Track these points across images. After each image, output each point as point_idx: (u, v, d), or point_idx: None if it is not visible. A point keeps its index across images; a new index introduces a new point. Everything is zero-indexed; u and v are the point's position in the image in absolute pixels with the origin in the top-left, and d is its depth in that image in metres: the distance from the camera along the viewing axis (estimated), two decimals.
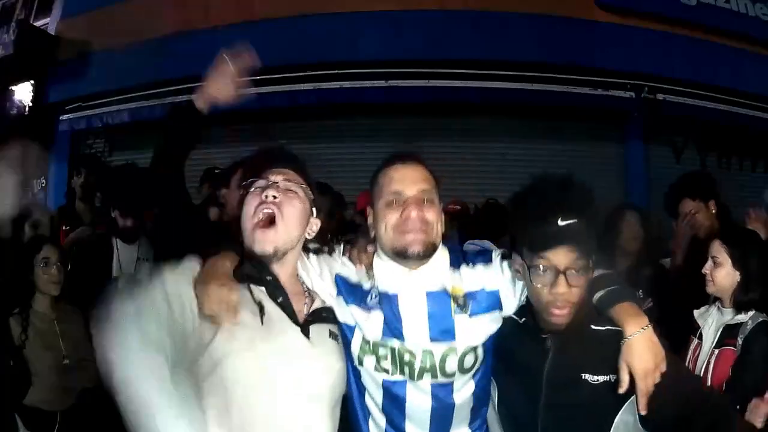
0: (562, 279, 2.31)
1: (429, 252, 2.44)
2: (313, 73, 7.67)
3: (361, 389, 2.54)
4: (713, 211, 4.32)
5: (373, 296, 2.49)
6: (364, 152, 7.80)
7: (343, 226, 5.10)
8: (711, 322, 3.47)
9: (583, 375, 2.38)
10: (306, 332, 2.23)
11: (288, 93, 7.70)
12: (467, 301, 2.49)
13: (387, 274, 2.51)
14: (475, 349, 2.48)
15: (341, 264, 2.59)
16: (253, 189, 2.23)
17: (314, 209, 2.37)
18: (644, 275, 4.25)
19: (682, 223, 4.29)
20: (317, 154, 6.81)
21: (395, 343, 2.45)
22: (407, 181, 2.47)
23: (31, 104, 8.99)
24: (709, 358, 3.37)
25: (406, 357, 2.45)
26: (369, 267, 2.56)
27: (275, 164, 2.29)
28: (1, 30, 9.74)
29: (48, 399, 3.98)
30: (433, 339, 2.45)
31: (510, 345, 2.54)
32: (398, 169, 2.50)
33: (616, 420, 2.37)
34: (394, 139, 7.57)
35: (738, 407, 3.11)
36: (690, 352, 3.47)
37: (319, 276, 2.54)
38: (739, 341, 3.30)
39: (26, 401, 3.90)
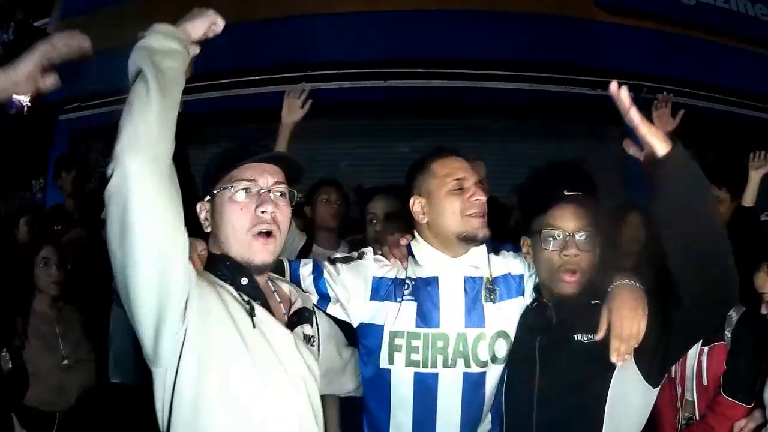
0: (572, 241, 2.47)
1: (487, 238, 2.65)
2: (309, 73, 7.66)
3: (388, 390, 2.62)
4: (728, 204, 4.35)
5: (409, 286, 2.63)
6: (362, 152, 7.82)
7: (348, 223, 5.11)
8: None
9: (576, 336, 2.47)
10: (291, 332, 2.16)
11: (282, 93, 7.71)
12: (495, 288, 2.66)
13: (430, 258, 2.68)
14: (505, 336, 2.66)
15: (374, 264, 2.72)
16: (239, 193, 2.10)
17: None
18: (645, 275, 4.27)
19: None
20: (314, 155, 6.80)
21: (429, 330, 2.58)
22: (467, 170, 2.70)
23: (30, 104, 8.97)
24: (700, 356, 3.39)
25: (440, 343, 2.57)
26: (402, 260, 2.70)
27: (259, 159, 2.16)
28: (1, 30, 9.73)
29: (47, 399, 3.99)
30: (467, 323, 2.63)
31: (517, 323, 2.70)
32: (456, 159, 2.73)
33: (613, 377, 2.42)
34: (391, 139, 7.58)
35: (740, 396, 3.18)
36: None
37: (353, 284, 2.65)
38: (728, 334, 3.36)
39: (25, 401, 3.90)
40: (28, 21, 9.51)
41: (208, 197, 2.17)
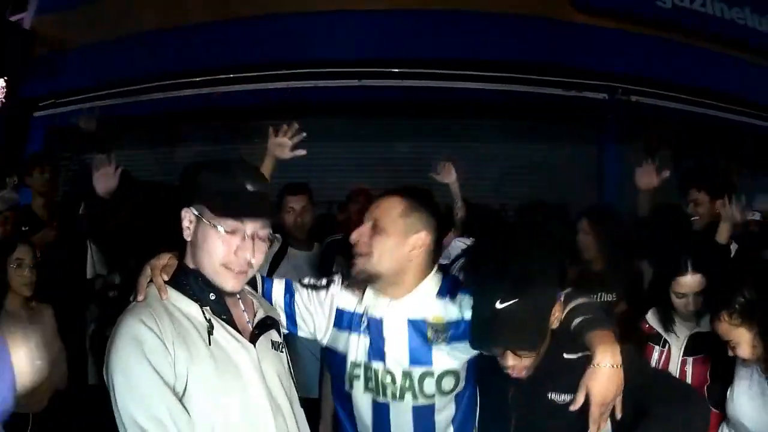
0: (509, 354, 2.38)
1: (368, 279, 2.60)
2: (286, 71, 7.66)
3: (352, 410, 2.70)
4: (716, 210, 4.38)
5: (365, 320, 2.64)
6: (339, 152, 7.83)
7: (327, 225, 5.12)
8: (673, 330, 3.50)
9: (549, 394, 2.45)
10: (254, 345, 2.20)
11: (261, 92, 7.71)
12: (447, 330, 2.60)
13: (373, 301, 2.66)
14: (453, 373, 2.61)
15: (340, 294, 2.72)
16: (223, 234, 2.10)
17: None
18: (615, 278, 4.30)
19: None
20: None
21: (379, 365, 2.60)
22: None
23: (4, 100, 8.91)
24: (683, 366, 3.42)
25: (388, 378, 2.60)
26: (363, 293, 2.70)
27: (257, 213, 2.17)
28: None
29: (20, 401, 3.93)
30: (411, 362, 2.59)
31: (486, 370, 2.61)
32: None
33: None
34: (368, 140, 7.60)
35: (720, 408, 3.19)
36: (654, 361, 3.50)
37: (319, 308, 2.71)
38: (712, 348, 3.34)
39: None
40: (4, 16, 9.43)
41: (197, 212, 2.16)
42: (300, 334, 2.73)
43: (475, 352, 2.57)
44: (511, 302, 2.28)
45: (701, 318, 3.40)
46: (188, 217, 2.16)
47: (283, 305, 2.68)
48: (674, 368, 3.43)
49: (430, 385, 2.59)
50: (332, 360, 2.74)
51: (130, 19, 8.13)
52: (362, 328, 2.63)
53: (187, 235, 2.17)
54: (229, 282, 2.13)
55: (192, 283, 2.15)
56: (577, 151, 8.21)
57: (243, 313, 2.27)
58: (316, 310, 2.70)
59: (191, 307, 2.11)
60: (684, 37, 8.18)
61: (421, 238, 2.58)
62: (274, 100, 7.65)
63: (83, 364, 4.58)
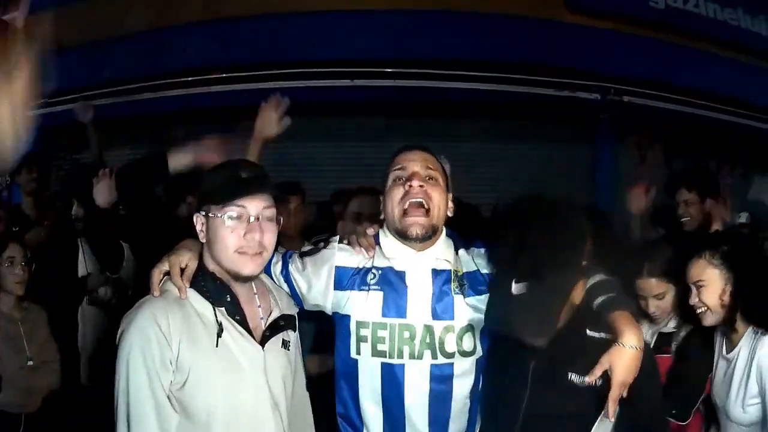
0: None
1: (428, 234, 2.55)
2: (279, 71, 7.65)
3: (356, 381, 2.59)
4: (705, 211, 4.41)
5: (375, 276, 2.58)
6: (330, 152, 7.83)
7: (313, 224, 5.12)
8: (646, 329, 3.50)
9: (569, 375, 2.43)
10: (263, 347, 2.30)
11: (255, 91, 7.70)
12: (464, 282, 2.60)
13: (394, 252, 2.61)
14: (472, 330, 2.58)
15: (339, 252, 2.67)
16: (231, 218, 2.24)
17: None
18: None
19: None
20: (284, 153, 6.79)
21: (396, 320, 2.53)
22: (412, 159, 2.60)
23: None
24: None
25: (406, 334, 2.52)
26: (369, 249, 2.65)
27: (255, 191, 2.28)
28: None
29: (12, 401, 3.94)
30: (434, 315, 2.54)
31: (502, 335, 2.56)
32: (405, 151, 2.65)
33: (596, 422, 2.42)
34: (360, 139, 7.60)
35: (675, 412, 3.21)
36: None
37: (316, 276, 2.63)
38: (673, 348, 3.40)
39: None
40: None
41: (204, 212, 2.29)
42: (307, 306, 2.68)
43: None
44: (530, 288, 2.33)
45: (669, 319, 3.48)
46: (199, 220, 2.30)
47: (282, 279, 2.66)
48: None
49: (451, 342, 2.54)
50: (337, 327, 2.66)
51: (122, 18, 8.11)
52: (371, 283, 2.58)
53: (202, 237, 2.31)
54: (247, 266, 2.25)
55: (209, 284, 2.27)
56: (569, 151, 8.22)
57: (258, 310, 2.37)
58: (313, 275, 2.64)
59: (205, 308, 2.24)
60: (677, 37, 8.19)
61: (450, 195, 2.68)
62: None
63: (76, 364, 4.56)
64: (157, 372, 2.08)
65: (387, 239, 2.65)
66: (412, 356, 2.52)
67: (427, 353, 2.52)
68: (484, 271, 2.67)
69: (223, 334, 2.20)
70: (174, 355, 2.11)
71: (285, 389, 2.35)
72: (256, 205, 2.25)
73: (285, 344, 2.41)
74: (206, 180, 2.38)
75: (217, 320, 2.21)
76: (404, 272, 2.58)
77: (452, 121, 8.01)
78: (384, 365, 2.53)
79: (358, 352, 2.56)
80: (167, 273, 2.30)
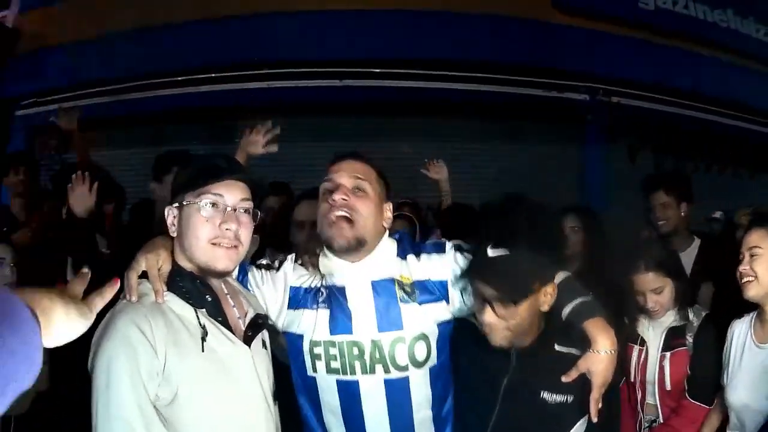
0: (488, 308, 2.37)
1: (353, 246, 2.47)
2: (266, 71, 7.66)
3: (317, 398, 2.57)
4: (683, 214, 4.44)
5: (323, 294, 2.53)
6: (317, 152, 7.83)
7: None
8: (649, 327, 3.56)
9: (541, 393, 2.45)
10: (248, 346, 2.22)
11: (242, 91, 7.71)
12: (414, 290, 2.53)
13: (333, 268, 2.55)
14: (425, 338, 2.52)
15: (293, 272, 2.63)
16: (205, 207, 2.15)
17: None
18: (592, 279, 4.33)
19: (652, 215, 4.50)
20: (272, 154, 6.79)
21: (344, 337, 2.48)
22: (339, 170, 2.54)
23: None
24: (661, 362, 3.45)
25: (355, 350, 2.48)
26: (317, 267, 2.60)
27: (228, 177, 2.21)
28: None
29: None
30: (380, 328, 2.48)
31: (473, 350, 2.56)
32: (336, 162, 2.59)
33: None
34: (347, 139, 7.60)
35: (703, 398, 3.32)
36: (634, 359, 3.55)
37: (272, 292, 2.59)
38: (689, 339, 3.41)
39: None
40: None
41: (176, 204, 2.21)
42: None
43: (444, 317, 2.56)
44: (504, 251, 2.32)
45: (673, 315, 3.49)
46: (171, 213, 2.21)
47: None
48: (653, 364, 3.48)
49: (402, 353, 2.48)
50: (290, 346, 2.60)
51: (112, 17, 8.09)
52: (320, 301, 2.53)
53: (173, 231, 2.21)
54: (220, 260, 2.16)
55: (187, 284, 2.16)
56: (558, 151, 8.24)
57: (234, 309, 2.28)
58: (269, 292, 2.60)
59: (186, 311, 2.11)
60: (666, 38, 8.22)
61: (389, 204, 2.64)
62: (258, 99, 7.64)
63: (65, 365, 4.55)
64: (144, 384, 1.94)
65: (325, 256, 2.59)
66: (364, 371, 2.48)
67: (379, 367, 2.48)
68: (438, 278, 2.60)
69: (208, 338, 2.09)
70: (161, 365, 1.97)
71: (271, 388, 2.29)
72: (233, 195, 2.17)
73: (264, 344, 2.34)
74: (181, 170, 2.30)
75: (200, 323, 2.10)
76: (344, 287, 2.53)
77: (438, 121, 8.01)
78: (339, 381, 2.50)
79: (315, 370, 2.53)
80: (143, 274, 2.15)
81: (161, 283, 2.12)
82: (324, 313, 2.51)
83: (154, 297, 2.09)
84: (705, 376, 3.32)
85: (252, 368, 2.19)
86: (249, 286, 2.60)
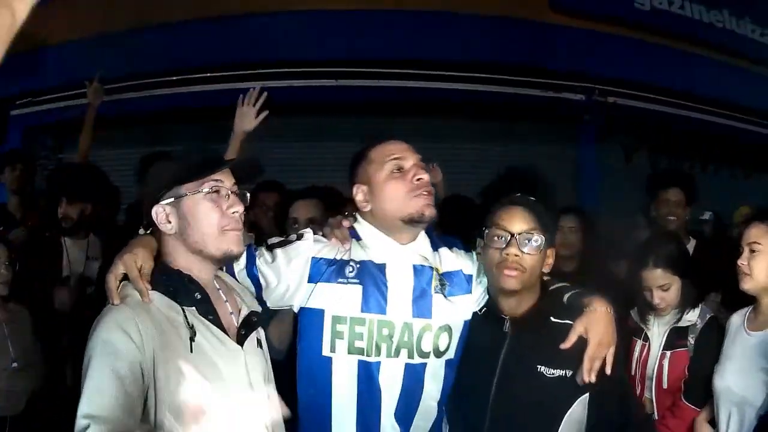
0: (514, 241, 2.48)
1: (434, 217, 2.55)
2: (261, 71, 7.64)
3: (329, 380, 2.53)
4: (686, 216, 4.46)
5: (353, 269, 2.53)
6: (312, 152, 7.83)
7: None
8: (654, 324, 3.56)
9: (538, 367, 2.47)
10: (241, 345, 2.18)
11: (239, 91, 7.70)
12: (445, 281, 2.60)
13: (377, 245, 2.58)
14: (449, 329, 2.58)
15: (315, 244, 2.60)
16: (210, 194, 2.14)
17: None
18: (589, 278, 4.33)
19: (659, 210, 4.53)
20: (266, 153, 6.79)
21: (375, 316, 2.48)
22: (407, 150, 2.61)
23: None
24: (661, 360, 3.46)
25: (385, 331, 2.49)
26: (344, 241, 2.59)
27: (225, 166, 2.22)
28: None
29: None
30: (414, 313, 2.53)
31: (470, 333, 2.64)
32: (393, 143, 2.64)
33: (565, 416, 2.46)
34: (343, 139, 7.59)
35: (698, 404, 3.33)
36: (636, 353, 3.56)
37: (287, 268, 2.54)
38: (691, 341, 3.43)
39: None
40: None
41: (170, 200, 2.15)
42: (271, 304, 2.60)
43: (469, 312, 2.65)
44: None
45: (680, 313, 3.49)
46: (162, 211, 2.15)
47: (246, 274, 2.57)
48: (653, 361, 3.50)
49: (428, 341, 2.53)
50: (306, 324, 2.58)
51: (109, 16, 8.08)
52: (352, 276, 2.52)
53: (170, 228, 2.15)
54: (235, 244, 2.16)
55: (176, 284, 2.11)
56: (554, 152, 8.24)
57: (226, 305, 2.24)
58: (286, 266, 2.55)
59: (173, 310, 2.06)
60: (662, 39, 8.23)
61: None
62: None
63: (60, 365, 4.54)
64: (127, 378, 1.89)
65: (367, 231, 2.62)
66: (389, 354, 2.49)
67: (404, 352, 2.50)
68: (466, 271, 2.69)
69: (197, 338, 2.04)
70: (149, 366, 1.93)
71: (267, 389, 2.25)
72: (229, 180, 2.19)
73: (259, 343, 2.30)
74: (170, 167, 2.23)
75: (188, 323, 2.05)
76: (384, 265, 2.55)
77: (435, 121, 8.00)
78: (360, 362, 2.49)
79: (333, 350, 2.50)
80: (124, 277, 2.09)
81: (144, 283, 2.06)
82: (354, 289, 2.51)
83: (140, 297, 2.04)
84: (702, 379, 3.31)
85: (244, 368, 2.15)
86: (258, 272, 2.56)
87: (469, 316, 2.66)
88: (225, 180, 2.17)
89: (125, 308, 1.99)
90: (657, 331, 3.54)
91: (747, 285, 3.12)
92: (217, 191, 2.15)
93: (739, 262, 3.11)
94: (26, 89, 8.62)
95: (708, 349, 3.35)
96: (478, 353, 2.60)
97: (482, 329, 2.62)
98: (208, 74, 7.86)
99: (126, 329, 1.92)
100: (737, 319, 3.25)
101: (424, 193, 2.52)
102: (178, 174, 2.17)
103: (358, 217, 2.68)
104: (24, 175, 5.67)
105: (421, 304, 2.54)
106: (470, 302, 2.67)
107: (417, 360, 2.52)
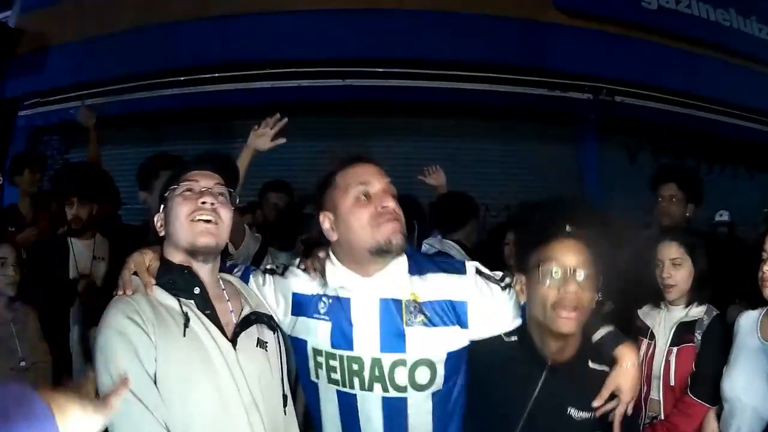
0: (572, 278, 2.31)
1: (404, 246, 2.40)
2: (270, 71, 7.66)
3: (318, 404, 2.55)
4: (687, 214, 4.43)
5: (325, 304, 2.48)
6: (318, 151, 7.83)
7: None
8: (661, 321, 3.55)
9: (568, 409, 2.42)
10: (234, 343, 2.22)
11: (242, 91, 7.72)
12: (424, 311, 2.42)
13: (340, 279, 2.47)
14: (429, 364, 2.43)
15: (295, 279, 2.57)
16: (184, 192, 2.28)
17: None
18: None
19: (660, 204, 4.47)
20: (274, 152, 6.80)
21: (344, 351, 2.42)
22: (374, 175, 2.45)
23: None
24: (668, 356, 3.44)
25: (355, 366, 2.42)
26: (321, 273, 2.53)
27: (202, 167, 2.35)
28: None
29: None
30: (383, 348, 2.40)
31: (494, 365, 2.49)
32: (361, 165, 2.48)
33: None
34: (346, 138, 7.60)
35: (706, 397, 3.27)
36: (642, 352, 3.52)
37: (273, 297, 2.56)
38: (698, 337, 3.40)
39: None
40: None
41: (162, 207, 2.33)
42: None
43: (456, 343, 2.45)
44: None
45: (688, 305, 3.49)
46: (159, 217, 2.35)
47: None
48: (660, 358, 3.48)
49: (402, 376, 2.40)
50: (296, 349, 2.57)
51: (114, 16, 8.11)
52: (324, 312, 2.46)
53: (161, 231, 2.33)
54: (201, 236, 2.23)
55: (176, 276, 2.24)
56: (559, 151, 8.24)
57: (228, 304, 2.32)
58: (270, 297, 2.57)
59: (171, 300, 2.19)
60: (669, 39, 8.22)
61: None
62: (259, 99, 7.64)
63: (67, 365, 4.56)
64: (141, 363, 2.03)
65: (332, 265, 2.51)
66: (362, 388, 2.43)
67: (377, 386, 2.42)
68: (458, 298, 2.48)
69: (192, 325, 2.14)
70: (153, 347, 2.06)
71: (263, 391, 2.25)
72: (206, 181, 2.30)
73: (261, 344, 2.31)
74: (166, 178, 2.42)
75: (182, 310, 2.16)
76: (349, 300, 2.45)
77: (440, 121, 8.02)
78: (339, 392, 2.47)
79: (317, 377, 2.50)
80: (134, 274, 2.26)
81: (149, 277, 2.23)
82: (325, 325, 2.45)
83: (144, 290, 2.21)
84: (709, 374, 3.26)
85: (234, 363, 2.19)
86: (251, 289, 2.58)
87: (457, 348, 2.48)
88: (201, 180, 2.30)
89: (126, 299, 2.16)
90: (663, 328, 3.53)
91: (671, 296, 3.18)
92: (190, 190, 2.27)
93: (762, 268, 2.93)
94: (33, 90, 8.66)
95: (715, 345, 3.32)
96: (507, 388, 2.47)
97: (515, 365, 2.46)
98: (214, 74, 7.87)
99: (132, 318, 2.08)
100: (747, 321, 3.15)
101: (391, 220, 2.36)
102: (165, 184, 2.35)
103: (329, 250, 2.56)
104: (40, 177, 5.75)
105: (390, 338, 2.41)
106: (459, 334, 2.47)
107: (393, 394, 2.43)
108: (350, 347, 2.42)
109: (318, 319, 2.47)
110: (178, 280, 2.24)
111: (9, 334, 4.04)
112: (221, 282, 2.38)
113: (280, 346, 2.41)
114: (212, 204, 2.24)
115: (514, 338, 2.50)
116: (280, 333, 2.46)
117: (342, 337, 2.42)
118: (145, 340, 2.05)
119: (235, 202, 2.37)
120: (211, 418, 2.11)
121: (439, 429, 2.51)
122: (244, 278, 2.60)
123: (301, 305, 2.52)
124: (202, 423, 2.09)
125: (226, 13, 7.83)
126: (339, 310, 2.45)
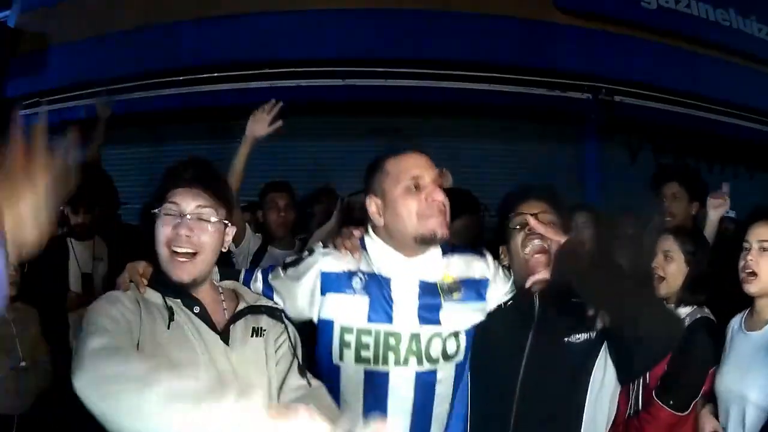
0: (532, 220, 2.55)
1: (447, 237, 2.54)
2: (270, 71, 7.67)
3: (338, 389, 2.54)
4: (692, 212, 4.41)
5: (361, 280, 2.54)
6: (319, 150, 7.84)
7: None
8: None
9: (565, 339, 2.53)
10: (226, 338, 2.20)
11: (242, 91, 7.72)
12: (459, 287, 2.61)
13: (382, 258, 2.58)
14: (457, 335, 2.58)
15: (323, 258, 2.62)
16: (163, 216, 2.20)
17: (228, 223, 2.30)
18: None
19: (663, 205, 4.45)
20: (274, 152, 6.79)
21: (381, 326, 2.50)
22: (425, 167, 2.57)
23: None
24: None
25: (392, 341, 2.50)
26: (354, 251, 2.60)
27: (185, 184, 2.23)
28: None
29: (5, 403, 3.94)
30: (421, 322, 2.52)
31: (494, 324, 2.68)
32: (414, 156, 2.60)
33: (590, 379, 2.53)
34: (349, 138, 7.60)
35: (671, 402, 3.21)
36: None
37: (299, 282, 2.58)
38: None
39: None
40: None
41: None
42: (291, 317, 2.58)
43: (480, 316, 2.65)
44: None
45: (678, 306, 3.44)
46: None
47: (262, 294, 2.59)
48: None
49: (436, 347, 2.53)
50: (320, 333, 2.60)
51: (115, 16, 8.11)
52: (359, 287, 2.53)
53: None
54: (176, 270, 2.18)
55: (165, 277, 2.22)
56: (559, 151, 8.25)
57: (222, 304, 2.31)
58: (298, 282, 2.59)
59: (157, 297, 2.20)
60: (669, 38, 8.22)
61: None
62: (259, 99, 7.63)
63: (67, 364, 4.56)
64: (122, 321, 2.03)
65: (375, 245, 2.61)
66: (397, 363, 2.49)
67: (413, 360, 2.50)
68: (478, 277, 2.68)
69: (179, 321, 2.14)
70: (139, 326, 2.06)
71: (261, 378, 2.21)
72: (188, 203, 2.19)
73: (256, 331, 2.29)
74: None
75: (166, 304, 2.16)
76: (390, 280, 2.54)
77: (441, 121, 8.03)
78: (367, 372, 2.51)
79: (341, 359, 2.53)
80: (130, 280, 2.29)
81: (141, 278, 2.24)
82: (361, 300, 2.52)
83: (137, 290, 2.22)
84: (678, 379, 3.23)
85: (223, 356, 2.16)
86: (274, 291, 2.62)
87: (478, 321, 2.66)
88: (182, 203, 2.19)
89: (114, 292, 2.20)
90: None
91: (754, 288, 3.02)
92: (169, 214, 2.19)
93: (748, 258, 3.00)
94: (33, 89, 8.65)
95: (690, 349, 3.22)
96: (505, 339, 2.65)
97: (508, 316, 2.68)
98: (214, 74, 7.87)
99: (121, 300, 2.12)
100: (736, 320, 3.22)
101: (437, 213, 2.50)
102: (148, 204, 2.38)
103: (370, 230, 2.66)
104: None
105: (428, 312, 2.54)
106: (483, 309, 2.68)
107: (426, 367, 2.53)
108: (390, 321, 2.50)
109: (353, 294, 2.53)
110: (166, 280, 2.22)
111: (9, 334, 4.04)
112: (219, 288, 2.38)
113: (288, 332, 2.37)
114: (187, 235, 2.16)
115: (510, 302, 2.73)
116: (288, 321, 2.44)
117: (382, 312, 2.51)
118: (132, 317, 2.06)
119: (224, 225, 2.27)
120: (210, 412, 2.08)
121: (454, 400, 2.65)
122: (264, 282, 2.64)
123: (331, 282, 2.57)
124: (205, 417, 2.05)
125: (226, 13, 7.83)
126: (378, 287, 2.54)
